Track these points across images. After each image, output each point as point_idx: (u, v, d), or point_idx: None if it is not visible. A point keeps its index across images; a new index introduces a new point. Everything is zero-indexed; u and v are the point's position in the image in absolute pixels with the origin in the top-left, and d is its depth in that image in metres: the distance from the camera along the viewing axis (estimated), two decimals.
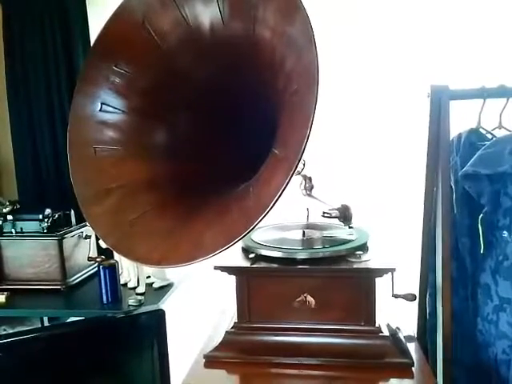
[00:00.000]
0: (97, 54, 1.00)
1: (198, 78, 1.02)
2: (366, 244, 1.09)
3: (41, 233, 1.59)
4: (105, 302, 1.44)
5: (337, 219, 1.11)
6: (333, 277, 1.02)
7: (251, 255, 1.05)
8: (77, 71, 1.79)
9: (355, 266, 1.00)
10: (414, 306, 1.26)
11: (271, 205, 0.72)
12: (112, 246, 0.93)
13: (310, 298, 1.01)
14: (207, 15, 0.92)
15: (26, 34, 1.82)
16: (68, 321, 1.55)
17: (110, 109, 1.01)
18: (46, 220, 1.59)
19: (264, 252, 1.05)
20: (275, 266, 1.02)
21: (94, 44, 1.01)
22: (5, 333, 1.60)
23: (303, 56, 0.75)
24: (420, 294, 1.26)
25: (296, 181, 1.14)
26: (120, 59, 0.99)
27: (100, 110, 1.01)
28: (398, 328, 1.08)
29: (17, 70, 1.86)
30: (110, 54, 0.99)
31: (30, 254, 1.58)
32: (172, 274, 1.61)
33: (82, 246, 1.68)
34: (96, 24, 1.75)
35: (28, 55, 1.84)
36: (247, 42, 0.88)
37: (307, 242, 1.10)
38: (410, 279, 1.20)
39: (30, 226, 1.60)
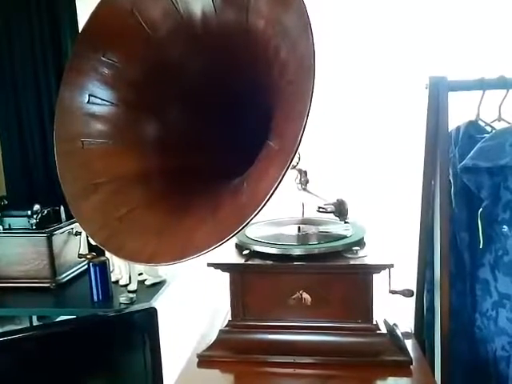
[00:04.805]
0: (84, 43, 0.96)
1: (189, 68, 0.99)
2: (362, 239, 1.07)
3: (29, 229, 1.55)
4: (95, 300, 1.41)
5: (332, 214, 1.08)
6: (329, 273, 0.99)
7: (245, 251, 1.03)
8: (65, 61, 1.75)
9: (352, 262, 0.97)
10: (411, 302, 1.25)
11: (265, 200, 0.69)
12: (101, 244, 0.90)
13: (305, 295, 0.99)
14: (199, 3, 0.89)
15: (12, 22, 1.78)
16: (58, 319, 1.52)
17: (99, 101, 0.98)
18: (34, 216, 1.55)
19: (258, 248, 1.02)
20: (270, 262, 0.99)
21: (81, 33, 0.97)
22: None
23: (299, 45, 0.72)
24: (417, 290, 1.24)
25: (291, 175, 1.12)
26: (108, 49, 0.96)
27: (88, 102, 0.97)
28: (395, 325, 1.06)
29: (3, 60, 1.81)
30: (97, 44, 0.95)
31: (18, 251, 1.54)
32: (165, 270, 1.58)
33: (72, 243, 1.65)
34: (84, 11, 1.71)
35: (14, 45, 1.79)
36: (240, 31, 0.85)
37: (303, 238, 1.08)
38: (407, 275, 1.18)
39: (18, 222, 1.56)
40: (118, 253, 0.88)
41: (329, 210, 1.07)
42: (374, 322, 0.98)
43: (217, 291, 1.17)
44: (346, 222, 1.10)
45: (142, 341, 0.90)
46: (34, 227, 1.55)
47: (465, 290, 1.15)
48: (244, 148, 0.92)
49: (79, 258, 1.58)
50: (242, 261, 1.01)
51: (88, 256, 1.44)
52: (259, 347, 0.99)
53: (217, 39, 0.91)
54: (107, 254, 1.45)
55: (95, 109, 0.97)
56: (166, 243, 0.83)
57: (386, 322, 1.03)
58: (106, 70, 0.96)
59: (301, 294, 0.99)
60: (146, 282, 1.55)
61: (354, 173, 1.59)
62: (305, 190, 1.14)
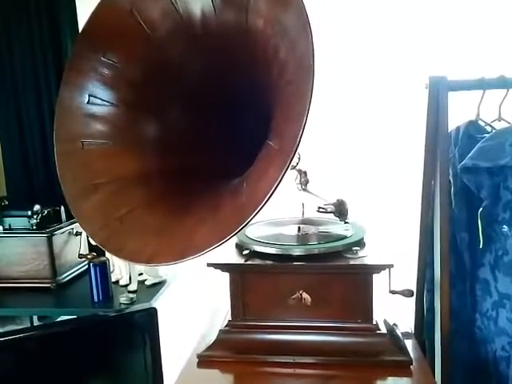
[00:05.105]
0: (84, 43, 0.96)
1: (189, 68, 0.99)
2: (362, 239, 1.07)
3: (30, 229, 1.55)
4: (96, 301, 1.41)
5: (332, 214, 1.08)
6: (329, 273, 0.99)
7: (245, 251, 1.03)
8: (65, 62, 1.75)
9: (352, 263, 0.97)
10: (411, 302, 1.25)
11: (265, 200, 0.69)
12: (101, 244, 0.90)
13: (305, 295, 0.99)
14: (198, 3, 0.89)
15: (12, 23, 1.78)
16: (58, 320, 1.52)
17: (98, 101, 0.98)
18: (35, 216, 1.56)
19: (258, 248, 1.02)
20: (270, 262, 0.99)
21: (81, 33, 0.97)
22: None
23: (298, 45, 0.72)
24: (417, 290, 1.24)
25: (291, 175, 1.12)
26: (108, 49, 0.95)
27: (88, 103, 0.97)
28: (395, 325, 1.06)
29: (2, 61, 1.81)
30: (97, 44, 0.95)
31: (18, 251, 1.55)
32: (165, 271, 1.58)
33: (73, 243, 1.65)
34: (84, 11, 1.71)
35: (14, 45, 1.79)
36: (240, 31, 0.85)
37: (302, 238, 1.08)
38: (407, 275, 1.18)
39: (18, 222, 1.57)
40: (117, 253, 0.88)
41: (329, 210, 1.07)
42: (374, 322, 0.98)
43: (217, 291, 1.16)
44: (345, 222, 1.10)
45: (143, 341, 0.90)
46: (34, 227, 1.55)
47: (465, 290, 1.15)
48: (244, 148, 0.92)
49: (79, 258, 1.59)
50: (241, 261, 1.00)
51: (88, 256, 1.44)
52: (259, 347, 0.99)
53: (216, 39, 0.91)
54: (107, 254, 1.45)
55: (95, 109, 0.97)
56: (166, 243, 0.82)
57: (386, 322, 1.03)
58: (105, 71, 0.96)
59: (301, 294, 0.99)
60: (146, 282, 1.55)
61: (354, 173, 1.59)
62: (305, 190, 1.14)
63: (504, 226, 1.06)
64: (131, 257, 0.86)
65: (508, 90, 1.09)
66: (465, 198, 1.13)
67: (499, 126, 1.13)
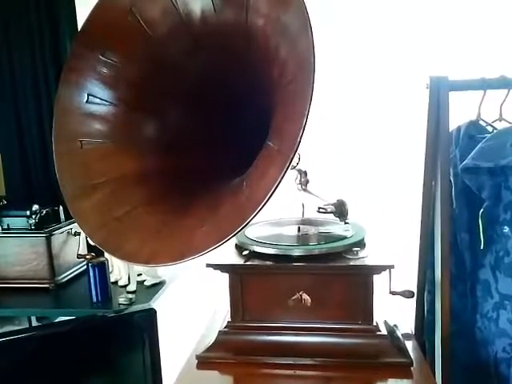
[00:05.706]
0: (82, 42, 0.96)
1: (189, 68, 0.98)
2: (363, 240, 1.06)
3: (28, 229, 1.54)
4: (94, 301, 1.40)
5: (332, 215, 1.08)
6: (329, 274, 0.98)
7: (245, 252, 1.02)
8: (64, 61, 1.74)
9: (352, 263, 0.97)
10: (412, 303, 1.24)
11: (265, 201, 0.68)
12: (99, 244, 0.89)
13: (305, 296, 0.98)
14: (198, 2, 0.88)
15: (11, 22, 1.77)
16: (57, 320, 1.51)
17: (97, 100, 0.97)
18: (33, 216, 1.55)
19: (258, 249, 1.01)
20: (270, 263, 0.99)
21: (79, 32, 0.96)
22: None
23: (298, 43, 0.71)
24: (418, 291, 1.23)
25: (291, 175, 1.11)
26: (107, 48, 0.95)
27: (87, 102, 0.97)
28: (395, 326, 1.06)
29: (1, 61, 1.81)
30: (96, 43, 0.95)
31: (17, 251, 1.53)
32: (164, 271, 1.57)
33: (71, 243, 1.64)
34: (84, 10, 1.70)
35: (13, 44, 1.79)
36: (240, 30, 0.84)
37: (303, 239, 1.07)
38: (407, 275, 1.17)
39: (17, 222, 1.56)
40: (116, 253, 0.87)
41: (329, 210, 1.06)
42: (375, 323, 0.98)
43: (216, 292, 1.16)
44: (346, 223, 1.10)
45: (142, 342, 0.90)
46: (32, 227, 1.54)
47: (465, 291, 1.15)
48: (244, 148, 0.91)
49: (78, 258, 1.57)
50: (241, 261, 1.00)
51: (87, 256, 1.44)
52: (259, 348, 0.99)
53: (216, 38, 0.90)
54: (106, 254, 1.45)
55: (94, 108, 0.97)
56: (165, 244, 0.82)
57: (386, 323, 1.03)
58: (104, 70, 0.96)
59: (301, 295, 0.98)
60: (145, 283, 1.54)
61: (354, 173, 1.59)
62: (305, 190, 1.13)
63: (505, 227, 1.05)
64: (130, 257, 0.86)
65: (509, 90, 1.09)
66: (466, 199, 1.13)
67: (500, 126, 1.12)
